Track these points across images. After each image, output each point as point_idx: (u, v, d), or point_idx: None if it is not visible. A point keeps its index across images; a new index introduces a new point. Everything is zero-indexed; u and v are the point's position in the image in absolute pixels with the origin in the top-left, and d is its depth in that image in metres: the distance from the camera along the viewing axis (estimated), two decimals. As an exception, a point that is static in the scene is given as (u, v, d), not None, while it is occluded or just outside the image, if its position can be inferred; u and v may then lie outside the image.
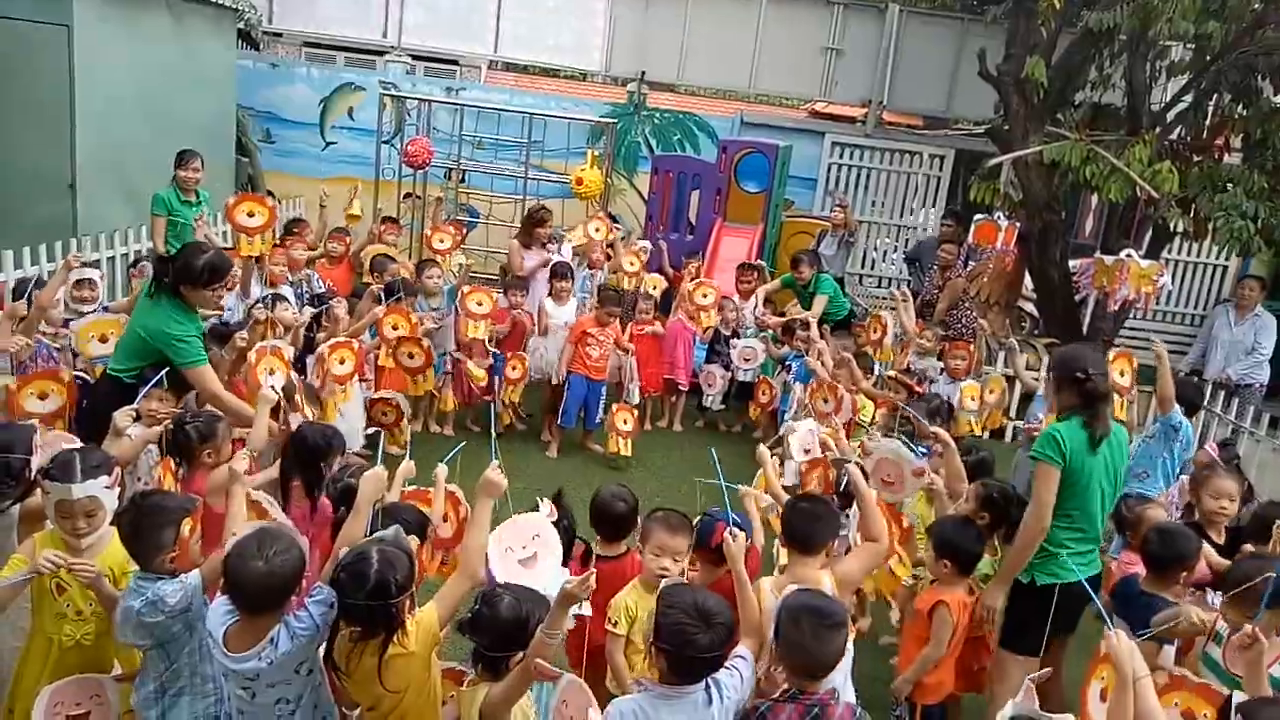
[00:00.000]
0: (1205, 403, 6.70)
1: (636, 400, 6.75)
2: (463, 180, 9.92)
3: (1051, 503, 3.35)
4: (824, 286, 7.29)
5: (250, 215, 5.37)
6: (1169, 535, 3.48)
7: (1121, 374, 5.18)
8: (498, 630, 2.48)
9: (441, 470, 3.32)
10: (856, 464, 3.70)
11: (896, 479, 3.81)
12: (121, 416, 3.42)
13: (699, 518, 3.22)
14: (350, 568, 2.44)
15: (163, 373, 3.81)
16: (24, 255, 5.76)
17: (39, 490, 2.94)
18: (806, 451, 4.82)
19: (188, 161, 6.68)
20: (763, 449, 3.88)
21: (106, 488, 2.79)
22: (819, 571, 2.97)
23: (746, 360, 6.96)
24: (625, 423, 6.38)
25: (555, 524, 3.04)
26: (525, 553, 2.86)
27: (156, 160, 7.74)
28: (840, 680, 2.65)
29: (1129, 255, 5.86)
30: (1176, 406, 4.95)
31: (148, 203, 7.45)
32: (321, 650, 2.56)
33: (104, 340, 4.54)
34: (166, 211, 6.60)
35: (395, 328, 5.70)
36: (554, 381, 6.53)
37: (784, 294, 7.62)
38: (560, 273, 6.72)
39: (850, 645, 2.79)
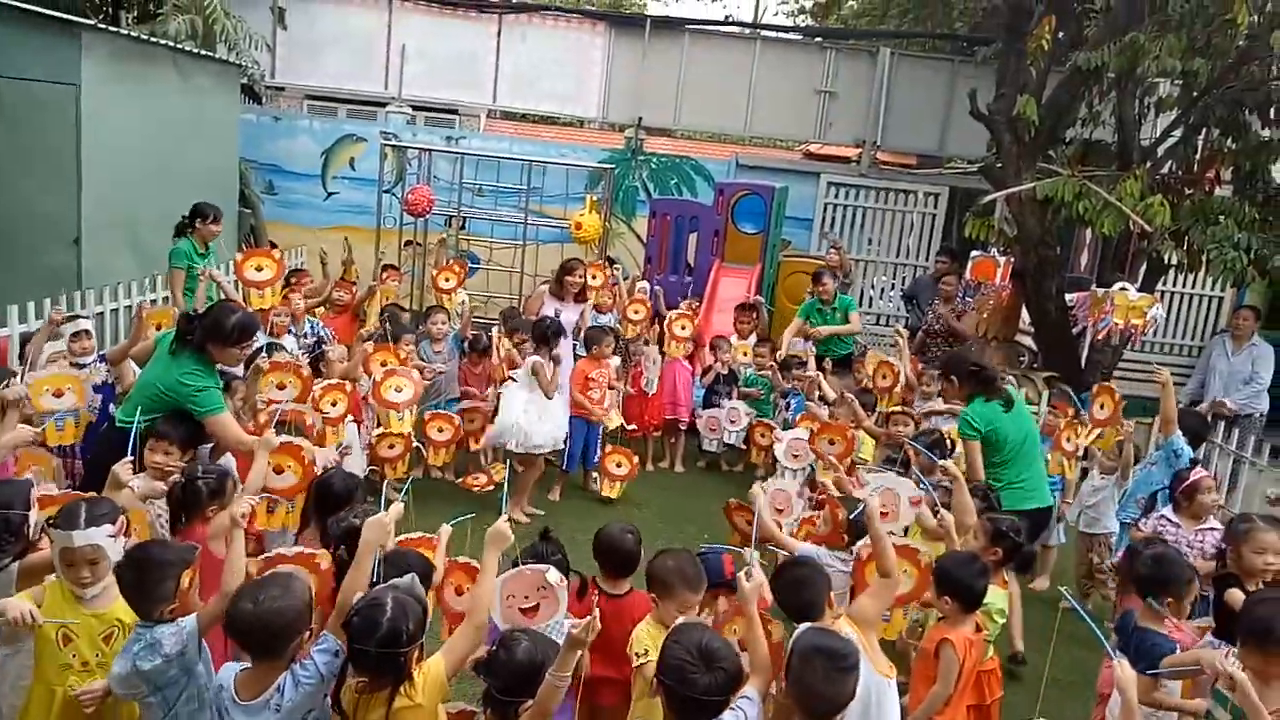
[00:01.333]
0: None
1: (615, 424, 6.67)
2: (463, 227, 10.03)
3: (980, 464, 4.59)
4: (852, 305, 7.47)
5: (259, 270, 5.52)
6: (1163, 560, 3.45)
7: (1101, 407, 5.25)
8: (512, 673, 2.49)
9: (445, 530, 3.28)
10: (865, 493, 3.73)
11: (891, 509, 3.86)
12: (121, 468, 3.39)
13: (698, 552, 3.25)
14: (363, 613, 2.44)
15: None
16: (29, 309, 5.82)
17: (39, 546, 2.97)
18: (795, 457, 4.92)
19: (217, 218, 6.89)
20: (756, 488, 3.88)
21: (110, 536, 2.79)
22: (835, 622, 2.97)
23: (733, 423, 7.00)
24: (619, 466, 6.43)
25: (547, 559, 3.06)
26: (528, 603, 2.88)
27: (161, 213, 7.84)
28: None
29: (1123, 288, 5.91)
30: (1178, 431, 4.96)
31: (152, 255, 7.57)
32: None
33: (59, 395, 4.34)
34: (187, 264, 6.65)
35: (383, 364, 5.65)
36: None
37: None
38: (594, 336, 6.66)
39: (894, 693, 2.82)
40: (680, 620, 2.81)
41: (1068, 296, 8.17)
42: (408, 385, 5.60)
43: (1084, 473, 5.82)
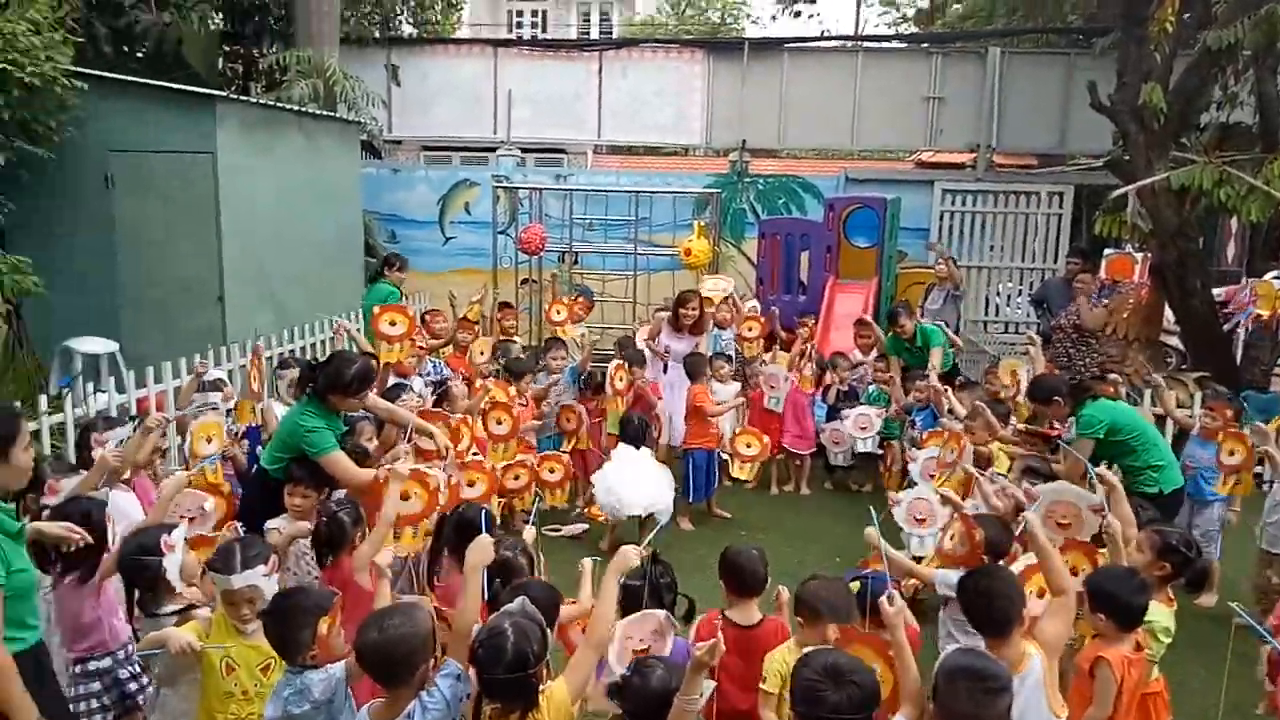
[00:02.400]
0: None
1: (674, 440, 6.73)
2: (576, 262, 10.20)
3: (1084, 458, 4.29)
4: (934, 338, 6.89)
5: (392, 324, 5.74)
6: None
7: (1231, 453, 4.91)
8: (645, 699, 2.49)
9: (587, 563, 3.35)
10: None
11: (1074, 519, 3.63)
12: (269, 530, 3.64)
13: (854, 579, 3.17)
14: (487, 643, 2.48)
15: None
16: (181, 364, 6.22)
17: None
18: (919, 520, 4.51)
19: (402, 266, 8.13)
20: (870, 531, 3.53)
21: (265, 575, 2.96)
22: (1022, 646, 2.81)
23: (863, 429, 6.79)
24: (749, 446, 6.40)
25: (656, 581, 3.03)
26: (642, 645, 2.86)
27: (294, 270, 8.34)
28: None
29: (1277, 276, 5.49)
30: None
31: (287, 309, 8.02)
32: None
33: (209, 440, 4.62)
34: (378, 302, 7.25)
35: (494, 400, 5.78)
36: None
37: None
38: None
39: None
40: (809, 648, 2.73)
41: (1215, 291, 7.64)
42: (507, 419, 5.74)
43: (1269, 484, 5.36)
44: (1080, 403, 4.83)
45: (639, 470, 5.87)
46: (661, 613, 2.96)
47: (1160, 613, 3.33)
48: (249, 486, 4.52)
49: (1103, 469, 4.03)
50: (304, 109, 8.89)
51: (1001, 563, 3.73)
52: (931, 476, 4.99)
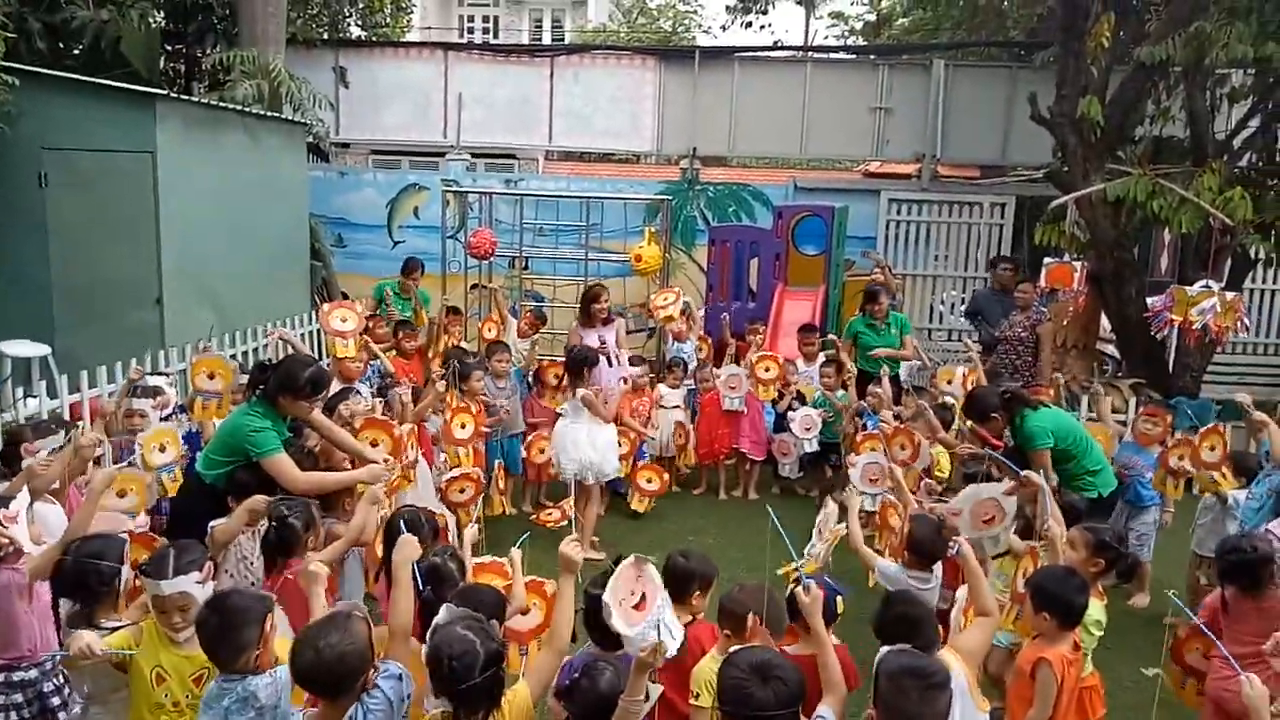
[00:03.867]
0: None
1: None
2: (526, 267, 10.15)
3: (1052, 469, 4.59)
4: (906, 326, 7.21)
5: (344, 320, 5.69)
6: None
7: (1211, 449, 5.02)
8: (591, 703, 2.46)
9: (516, 554, 3.30)
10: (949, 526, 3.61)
11: (995, 511, 3.79)
12: (213, 529, 3.57)
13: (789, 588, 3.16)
14: (438, 646, 2.43)
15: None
16: (117, 369, 6.04)
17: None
18: (873, 480, 4.94)
19: (409, 271, 8.30)
20: (831, 505, 3.75)
21: (198, 583, 2.85)
22: (941, 654, 2.87)
23: (807, 430, 6.87)
24: (649, 481, 6.47)
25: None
26: (634, 598, 2.78)
27: (237, 271, 8.17)
28: None
29: (1205, 286, 5.67)
30: None
31: (231, 311, 7.85)
32: None
33: (163, 449, 4.63)
34: (379, 299, 7.81)
35: (462, 425, 5.67)
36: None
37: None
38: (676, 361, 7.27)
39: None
40: (733, 648, 2.72)
41: (1149, 300, 7.87)
42: (469, 422, 5.68)
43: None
44: (1019, 414, 4.79)
45: (578, 434, 5.81)
46: (630, 559, 2.84)
47: (1093, 606, 3.42)
48: (182, 491, 4.37)
49: (1031, 473, 4.14)
50: (247, 109, 8.73)
51: (937, 568, 3.83)
52: (873, 480, 5.07)
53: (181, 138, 7.52)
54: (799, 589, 2.78)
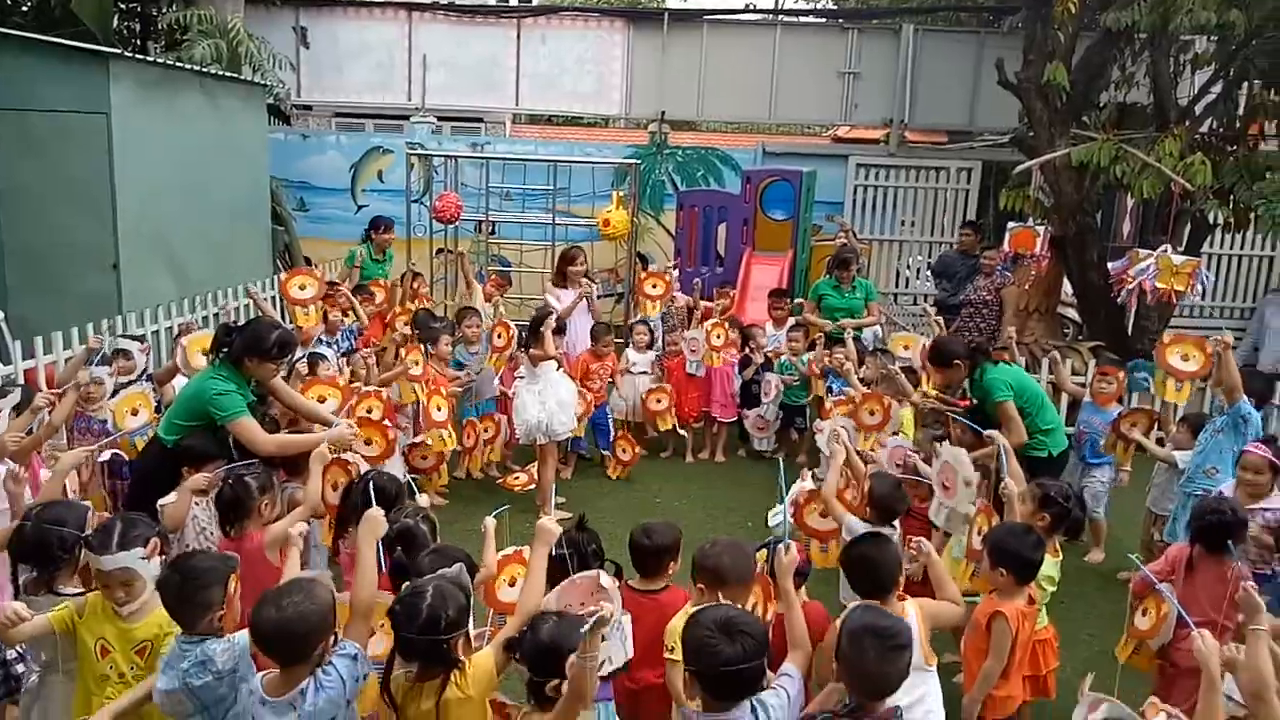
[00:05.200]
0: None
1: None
2: (493, 232, 10.06)
3: (1022, 424, 4.71)
4: (873, 291, 7.32)
5: (303, 288, 5.61)
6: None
7: (1186, 358, 5.07)
8: (536, 650, 2.46)
9: (490, 522, 3.29)
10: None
11: (952, 485, 3.85)
12: (162, 507, 3.51)
13: (761, 545, 3.21)
14: (405, 601, 2.47)
15: None
16: (73, 335, 5.93)
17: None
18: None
19: (388, 228, 8.20)
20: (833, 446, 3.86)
21: (143, 558, 2.79)
22: (899, 606, 2.94)
23: (767, 395, 6.94)
24: (623, 451, 6.63)
25: (584, 550, 3.03)
26: (584, 610, 2.82)
27: (196, 234, 8.01)
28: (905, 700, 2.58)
29: (1164, 250, 5.75)
30: (1244, 396, 4.77)
31: (191, 276, 7.71)
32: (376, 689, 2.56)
33: (135, 413, 4.55)
34: (352, 266, 7.89)
35: (415, 362, 5.60)
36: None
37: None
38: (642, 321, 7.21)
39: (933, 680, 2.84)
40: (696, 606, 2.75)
41: (1110, 265, 7.97)
42: (444, 404, 5.64)
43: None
44: (980, 367, 4.88)
45: (529, 395, 5.76)
46: (592, 573, 2.91)
47: (1046, 563, 3.49)
48: (142, 457, 4.32)
49: (993, 431, 4.21)
50: (205, 69, 8.52)
51: (896, 523, 3.90)
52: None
53: (137, 99, 7.32)
54: (780, 548, 2.82)
